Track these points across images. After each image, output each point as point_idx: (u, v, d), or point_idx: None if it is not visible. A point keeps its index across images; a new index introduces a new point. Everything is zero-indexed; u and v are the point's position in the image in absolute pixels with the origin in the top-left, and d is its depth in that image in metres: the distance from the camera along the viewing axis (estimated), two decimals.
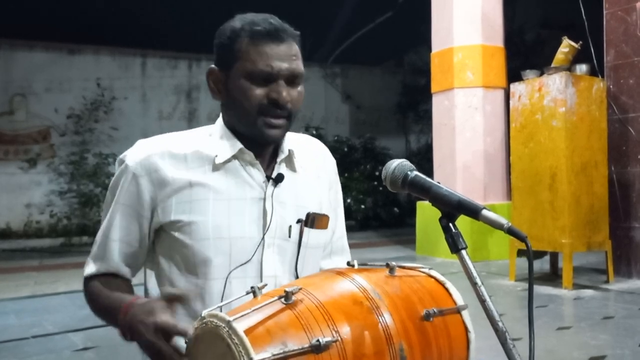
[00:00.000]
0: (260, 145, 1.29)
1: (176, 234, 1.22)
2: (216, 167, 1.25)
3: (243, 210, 1.24)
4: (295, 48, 1.26)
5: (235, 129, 1.29)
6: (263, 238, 1.24)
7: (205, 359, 0.90)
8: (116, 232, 1.26)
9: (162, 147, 1.26)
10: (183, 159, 1.25)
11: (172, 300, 1.05)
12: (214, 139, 1.30)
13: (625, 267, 5.15)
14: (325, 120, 13.24)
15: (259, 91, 1.22)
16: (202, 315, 0.90)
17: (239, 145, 1.26)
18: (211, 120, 1.33)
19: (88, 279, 1.30)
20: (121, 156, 1.28)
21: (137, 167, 1.24)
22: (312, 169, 1.38)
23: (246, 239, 1.23)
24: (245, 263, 1.22)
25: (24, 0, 10.79)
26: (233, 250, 1.22)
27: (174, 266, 1.25)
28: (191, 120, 12.04)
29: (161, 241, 1.27)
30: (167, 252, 1.26)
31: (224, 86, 1.27)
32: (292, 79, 1.25)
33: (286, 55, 1.24)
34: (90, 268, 1.29)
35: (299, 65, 1.25)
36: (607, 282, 4.88)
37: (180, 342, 1.20)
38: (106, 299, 1.23)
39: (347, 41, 13.03)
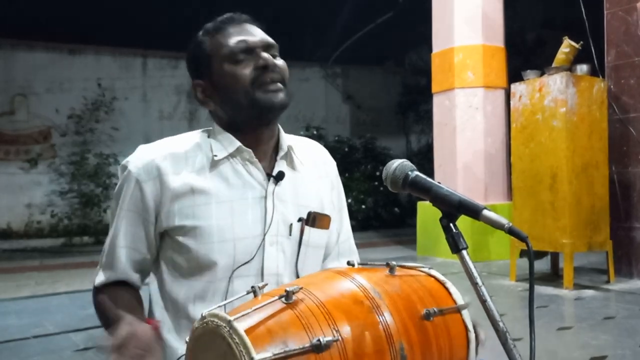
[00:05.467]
0: (265, 124, 1.28)
1: (180, 239, 1.22)
2: (216, 167, 1.25)
3: (246, 210, 1.24)
4: (259, 27, 1.30)
5: (235, 127, 1.29)
6: (264, 236, 1.24)
7: (206, 359, 0.90)
8: (123, 239, 1.26)
9: (163, 150, 1.26)
10: (184, 160, 1.25)
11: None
12: (212, 137, 1.31)
13: (626, 267, 5.14)
14: (326, 120, 13.23)
15: (245, 69, 1.24)
16: (203, 314, 0.90)
17: (237, 143, 1.27)
18: (212, 120, 1.34)
19: (97, 290, 1.29)
20: (123, 162, 1.28)
21: (140, 173, 1.24)
22: (313, 170, 1.38)
23: (249, 238, 1.23)
24: (247, 262, 1.22)
25: (25, 0, 10.78)
26: (237, 251, 1.22)
27: (176, 270, 1.25)
28: (192, 120, 12.03)
29: (164, 245, 1.27)
30: (170, 256, 1.26)
31: (213, 90, 1.29)
32: (268, 48, 1.27)
33: (253, 30, 1.28)
34: (100, 278, 1.28)
35: (269, 37, 1.28)
36: (608, 282, 4.87)
37: (181, 341, 1.21)
38: (109, 312, 1.21)
39: (347, 41, 13.00)
